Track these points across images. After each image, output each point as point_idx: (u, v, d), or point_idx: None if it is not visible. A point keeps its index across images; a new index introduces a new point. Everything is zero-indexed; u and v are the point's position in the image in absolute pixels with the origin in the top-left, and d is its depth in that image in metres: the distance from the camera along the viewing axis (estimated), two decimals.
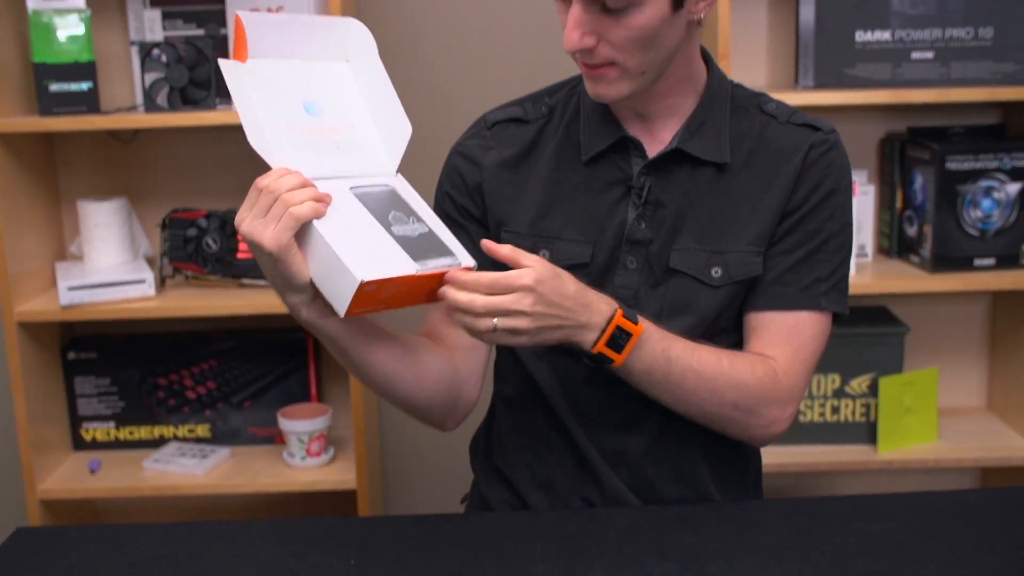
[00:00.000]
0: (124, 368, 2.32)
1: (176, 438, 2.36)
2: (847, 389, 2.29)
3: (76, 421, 2.34)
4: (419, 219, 1.19)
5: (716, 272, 1.32)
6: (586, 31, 1.20)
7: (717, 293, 1.32)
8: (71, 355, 2.31)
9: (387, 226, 1.15)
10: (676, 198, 1.32)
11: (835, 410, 2.30)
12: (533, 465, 1.42)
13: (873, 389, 2.28)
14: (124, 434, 2.35)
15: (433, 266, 1.14)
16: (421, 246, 1.16)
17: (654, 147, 1.34)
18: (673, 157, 1.32)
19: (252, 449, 2.35)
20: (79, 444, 2.36)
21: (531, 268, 1.14)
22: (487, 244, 1.16)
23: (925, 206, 2.23)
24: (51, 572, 1.20)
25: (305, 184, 1.10)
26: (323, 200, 1.10)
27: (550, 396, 1.38)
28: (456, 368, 1.36)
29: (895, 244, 2.34)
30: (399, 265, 1.12)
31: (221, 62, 1.15)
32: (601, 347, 1.19)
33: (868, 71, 2.19)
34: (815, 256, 1.32)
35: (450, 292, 1.13)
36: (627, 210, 1.33)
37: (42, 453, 2.22)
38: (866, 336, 2.28)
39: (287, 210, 1.08)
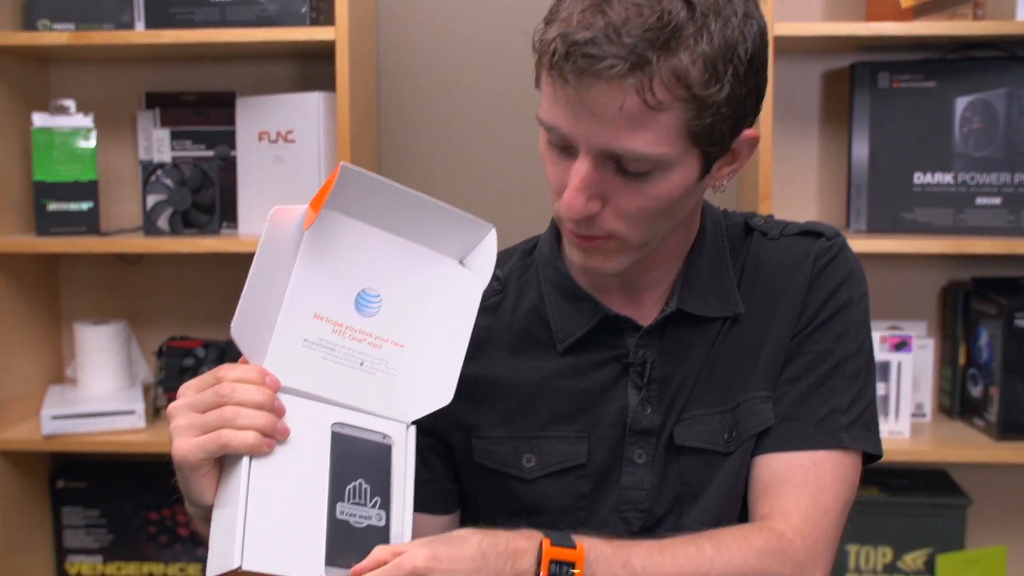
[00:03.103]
0: (115, 499, 2.19)
1: None
2: (900, 565, 2.06)
3: (61, 554, 2.21)
4: (385, 503, 0.94)
5: (728, 436, 1.09)
6: (592, 195, 0.97)
7: (731, 460, 1.09)
8: (60, 483, 2.19)
9: (335, 499, 0.90)
10: (683, 366, 1.10)
11: None
12: None
13: (930, 566, 2.05)
14: (111, 570, 2.21)
15: None
16: (355, 543, 0.90)
17: (646, 311, 1.11)
18: (672, 319, 1.10)
19: None
20: None
21: (413, 549, 0.90)
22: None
23: (991, 365, 2.01)
24: None
25: (266, 405, 0.88)
26: (274, 436, 0.88)
27: None
28: None
29: (957, 404, 2.12)
30: (300, 563, 0.87)
31: (276, 208, 0.91)
32: None
33: (928, 216, 2.00)
34: (828, 383, 1.09)
35: None
36: (626, 392, 1.10)
37: None
38: (922, 506, 2.05)
39: (220, 429, 0.87)
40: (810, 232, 1.13)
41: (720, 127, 0.96)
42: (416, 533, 1.10)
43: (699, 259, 1.11)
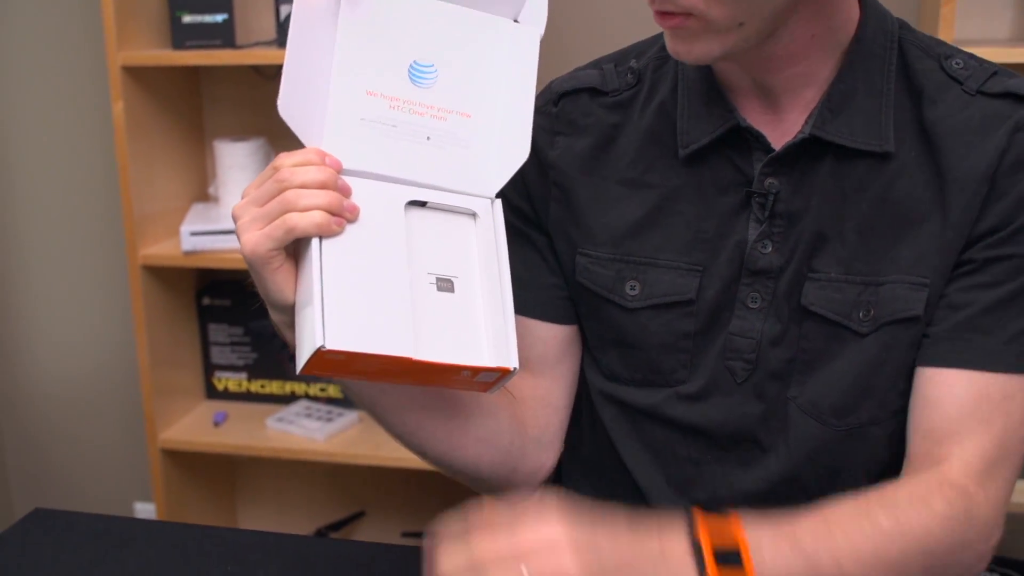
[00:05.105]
0: (257, 318, 2.21)
1: (307, 396, 2.24)
2: None
3: (209, 369, 2.27)
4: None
5: (864, 313, 0.94)
6: None
7: (865, 344, 0.94)
8: (205, 300, 2.22)
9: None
10: (816, 206, 0.94)
11: None
12: None
13: None
14: (255, 387, 2.25)
15: (448, 357, 0.82)
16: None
17: (783, 130, 0.95)
18: (808, 147, 0.94)
19: None
20: (212, 393, 2.28)
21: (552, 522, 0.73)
22: None
23: None
24: (50, 557, 1.09)
25: (328, 184, 0.80)
26: (343, 215, 0.81)
27: (640, 476, 1.04)
28: (519, 422, 1.02)
29: None
30: (387, 340, 0.80)
31: None
32: None
33: None
34: None
35: None
36: (747, 226, 0.96)
37: (171, 400, 2.15)
38: None
39: (283, 215, 0.79)
40: (1015, 94, 0.92)
41: None
42: (538, 343, 1.03)
43: (851, 72, 0.93)
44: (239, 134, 2.18)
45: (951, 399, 0.91)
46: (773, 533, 0.80)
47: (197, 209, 2.14)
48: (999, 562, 1.94)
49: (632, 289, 1.00)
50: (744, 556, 0.77)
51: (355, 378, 0.90)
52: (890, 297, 0.93)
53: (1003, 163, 0.90)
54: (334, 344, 0.77)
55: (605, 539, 0.75)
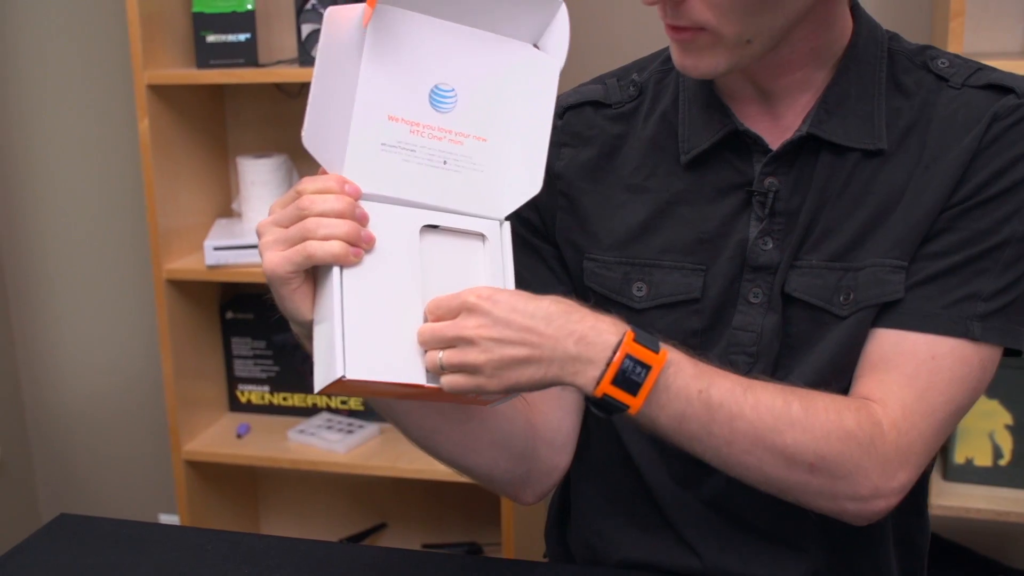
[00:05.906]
0: (280, 332, 2.24)
1: (328, 409, 2.27)
2: None
3: (233, 382, 2.30)
4: None
5: (844, 298, 0.97)
6: None
7: (844, 325, 0.98)
8: (229, 315, 2.26)
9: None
10: (812, 202, 0.98)
11: None
12: (620, 542, 1.11)
13: None
14: (278, 399, 2.28)
15: None
16: None
17: (779, 132, 0.99)
18: (806, 146, 0.98)
19: None
20: (235, 405, 2.31)
21: (479, 287, 0.86)
22: None
23: None
24: (74, 562, 1.11)
25: (346, 213, 0.83)
26: (359, 245, 0.84)
27: (647, 473, 1.07)
28: (532, 426, 1.06)
29: None
30: (403, 369, 0.85)
31: (330, 9, 0.87)
32: (607, 387, 0.86)
33: None
34: (977, 264, 0.94)
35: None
36: (748, 225, 1.00)
37: (195, 412, 2.19)
38: None
39: (303, 242, 0.83)
40: (998, 86, 0.96)
41: None
42: None
43: (845, 77, 0.97)
44: (262, 151, 2.22)
45: (880, 354, 0.96)
46: (692, 373, 0.88)
47: (221, 224, 2.18)
48: (997, 569, 1.94)
49: (639, 290, 1.03)
50: (652, 373, 0.86)
51: (369, 396, 0.94)
52: (870, 281, 0.96)
53: (979, 147, 0.94)
54: (354, 374, 0.82)
55: (527, 305, 0.85)
